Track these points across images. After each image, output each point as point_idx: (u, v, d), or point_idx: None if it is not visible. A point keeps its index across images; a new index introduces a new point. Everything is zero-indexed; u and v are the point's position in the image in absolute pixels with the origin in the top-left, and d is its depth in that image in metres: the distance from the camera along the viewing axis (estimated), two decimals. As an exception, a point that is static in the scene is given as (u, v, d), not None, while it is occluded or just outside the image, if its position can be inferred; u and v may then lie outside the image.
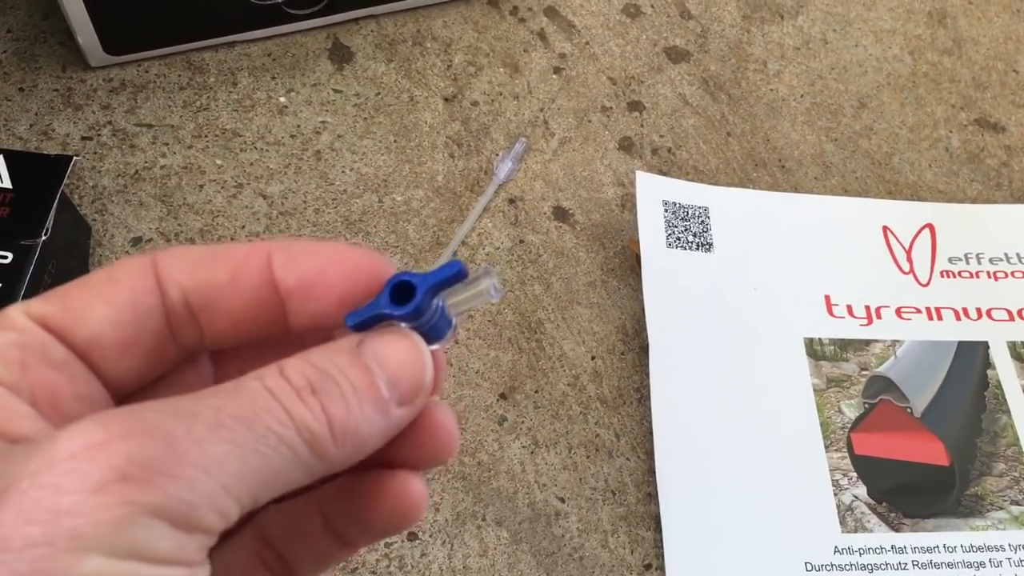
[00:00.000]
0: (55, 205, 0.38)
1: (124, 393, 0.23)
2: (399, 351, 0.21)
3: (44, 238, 0.37)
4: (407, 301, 0.22)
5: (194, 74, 0.49)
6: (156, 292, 0.22)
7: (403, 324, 0.22)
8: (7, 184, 0.38)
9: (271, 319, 0.23)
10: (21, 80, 0.47)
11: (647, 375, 0.42)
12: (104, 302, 0.22)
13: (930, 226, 0.47)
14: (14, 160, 0.39)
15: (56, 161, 0.39)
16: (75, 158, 0.40)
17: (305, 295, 0.23)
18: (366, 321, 0.22)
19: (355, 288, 0.22)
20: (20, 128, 0.46)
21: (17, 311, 0.22)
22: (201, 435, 0.18)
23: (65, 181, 0.39)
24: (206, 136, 0.47)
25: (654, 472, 0.40)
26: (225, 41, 0.49)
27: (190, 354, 0.24)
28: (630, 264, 0.46)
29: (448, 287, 0.22)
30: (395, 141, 0.48)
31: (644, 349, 0.43)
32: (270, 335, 0.23)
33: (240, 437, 0.19)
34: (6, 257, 0.37)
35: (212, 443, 0.18)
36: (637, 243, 0.45)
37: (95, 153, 0.46)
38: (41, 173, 0.39)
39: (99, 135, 0.46)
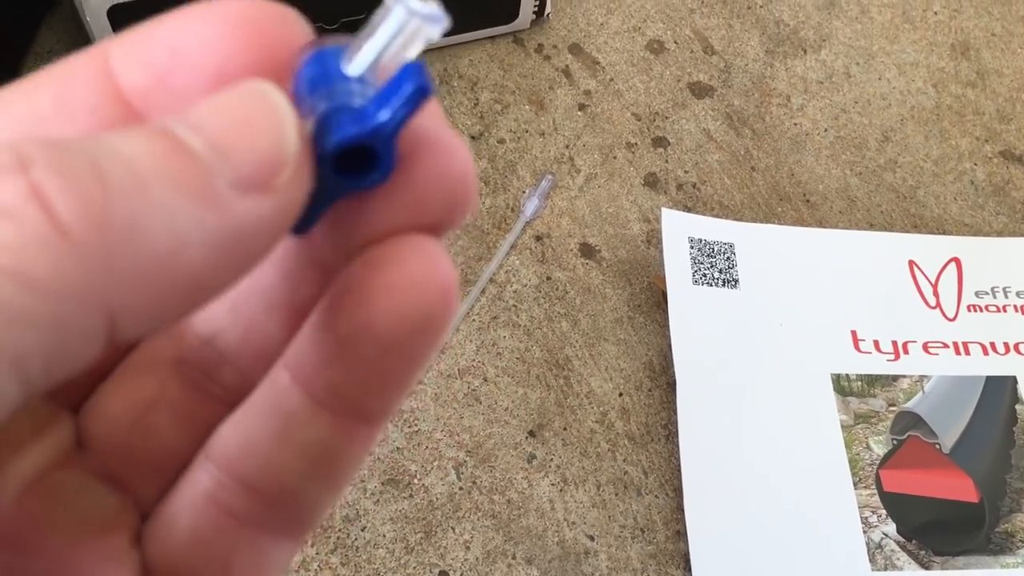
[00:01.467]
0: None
1: None
2: (230, 104, 0.13)
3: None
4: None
5: (225, 115, 0.50)
6: None
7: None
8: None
9: None
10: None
11: (674, 412, 0.42)
12: None
13: (956, 260, 0.48)
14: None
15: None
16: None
17: (163, 99, 0.14)
18: None
19: (232, 69, 0.14)
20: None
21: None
22: None
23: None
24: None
25: (682, 510, 0.40)
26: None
27: None
28: (656, 300, 0.46)
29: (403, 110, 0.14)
30: (423, 179, 0.49)
31: (671, 385, 0.43)
32: None
33: None
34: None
35: None
36: (663, 279, 0.45)
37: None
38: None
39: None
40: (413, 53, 0.15)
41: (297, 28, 0.15)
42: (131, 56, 0.14)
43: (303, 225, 0.15)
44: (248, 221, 0.13)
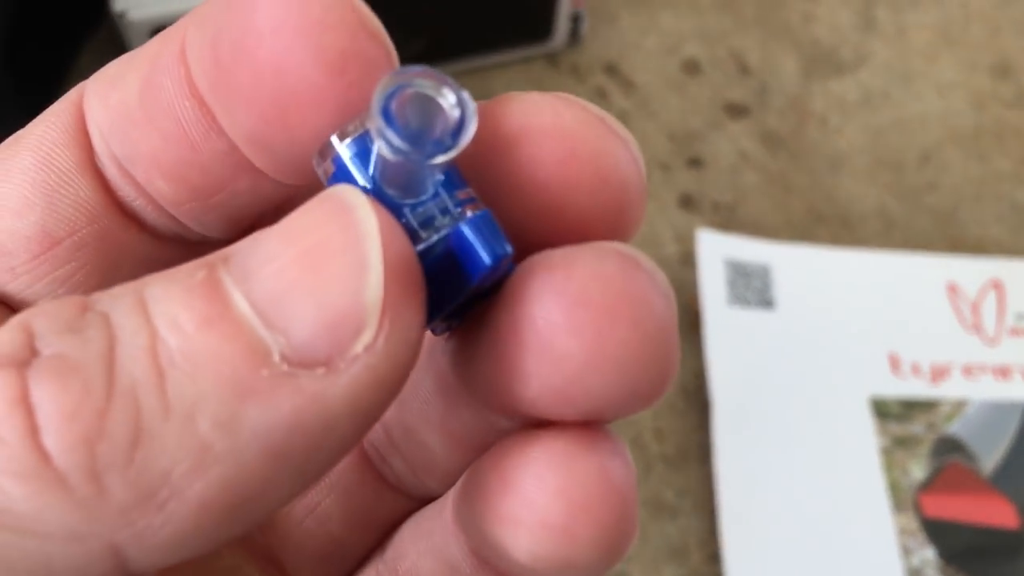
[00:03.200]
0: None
1: None
2: (295, 235, 0.10)
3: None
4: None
5: (263, 135, 0.50)
6: (77, 144, 0.13)
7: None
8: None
9: (229, 162, 0.12)
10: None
11: (709, 434, 0.42)
12: None
13: (997, 283, 0.47)
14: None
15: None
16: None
17: (221, 105, 0.12)
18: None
19: (272, 82, 0.11)
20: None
21: None
22: None
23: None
24: (274, 196, 0.48)
25: (717, 533, 0.40)
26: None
27: (196, 249, 0.13)
28: (691, 321, 0.46)
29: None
30: (457, 199, 0.49)
31: (706, 407, 0.43)
32: (256, 190, 0.13)
33: None
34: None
35: None
36: (698, 300, 0.45)
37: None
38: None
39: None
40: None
41: (375, 34, 0.12)
42: (197, 39, 0.12)
43: (436, 326, 0.12)
44: (307, 411, 0.09)
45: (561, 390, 0.11)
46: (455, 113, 0.11)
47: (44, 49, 0.50)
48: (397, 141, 0.11)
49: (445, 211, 0.12)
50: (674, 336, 0.12)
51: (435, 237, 0.11)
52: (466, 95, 0.12)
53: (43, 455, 0.09)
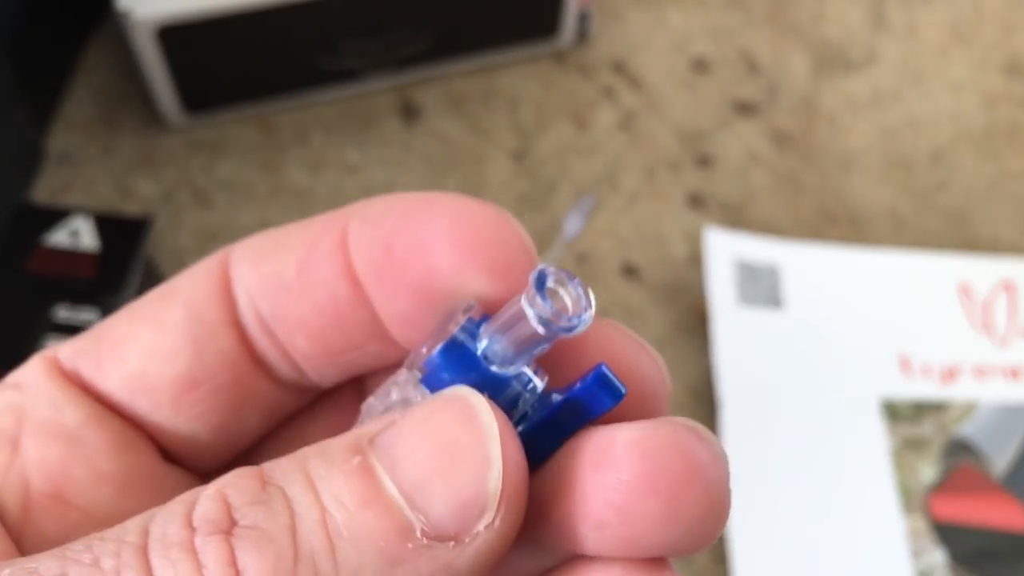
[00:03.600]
0: (139, 266, 0.39)
1: (206, 460, 0.16)
2: (430, 432, 0.13)
3: (130, 299, 0.38)
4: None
5: (269, 133, 0.50)
6: (223, 301, 0.16)
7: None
8: (96, 246, 0.39)
9: (368, 329, 0.15)
10: (104, 141, 0.49)
11: (717, 434, 0.42)
12: (149, 326, 0.15)
13: (1008, 283, 0.46)
14: (102, 223, 0.40)
15: (138, 223, 0.41)
16: (156, 219, 0.41)
17: (379, 286, 0.15)
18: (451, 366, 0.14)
19: (442, 275, 0.14)
20: (103, 188, 0.47)
21: (39, 358, 0.16)
22: None
23: (147, 241, 0.40)
24: (280, 195, 0.48)
25: (725, 533, 0.40)
26: (298, 101, 0.50)
27: (305, 394, 0.17)
28: (699, 321, 0.45)
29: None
30: (464, 198, 0.48)
31: (714, 408, 0.43)
32: (383, 354, 0.16)
33: None
34: (94, 318, 0.38)
35: None
36: (706, 300, 0.45)
37: (173, 212, 0.47)
38: (125, 234, 0.40)
39: (177, 195, 0.48)
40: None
41: (521, 248, 0.15)
42: (365, 236, 0.15)
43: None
44: (441, 573, 0.12)
45: (633, 540, 0.14)
46: (581, 303, 0.14)
47: (48, 46, 0.49)
48: (546, 312, 0.14)
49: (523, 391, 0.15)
50: (729, 495, 0.14)
51: (523, 412, 0.14)
52: (590, 292, 0.15)
53: None
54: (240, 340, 0.16)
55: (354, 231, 0.15)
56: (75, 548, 0.12)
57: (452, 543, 0.12)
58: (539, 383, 0.15)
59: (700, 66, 0.54)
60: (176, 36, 0.44)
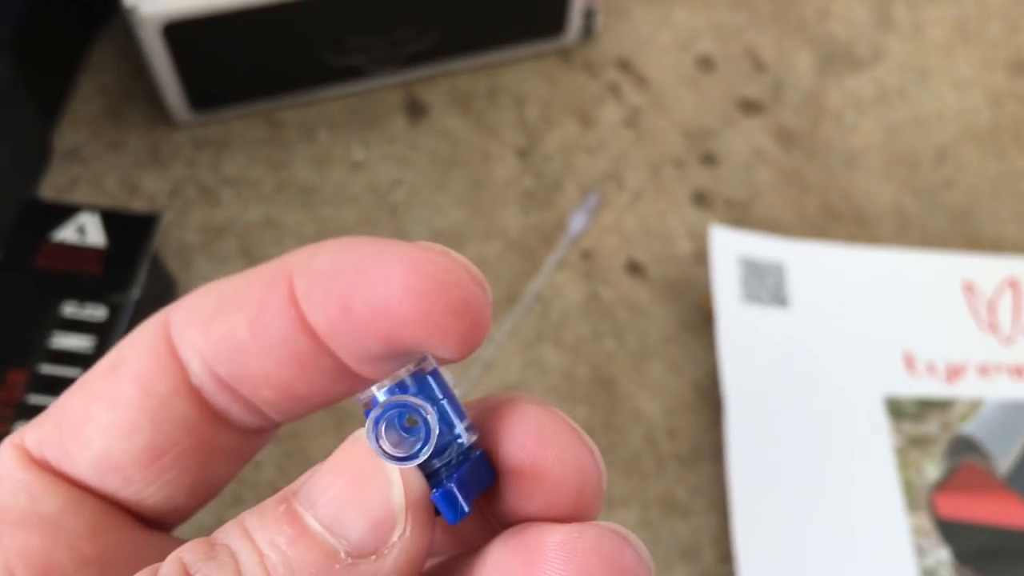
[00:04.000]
0: (146, 262, 0.39)
1: (187, 515, 0.17)
2: (338, 469, 0.14)
3: (137, 295, 0.38)
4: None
5: (275, 130, 0.50)
6: (172, 370, 0.16)
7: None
8: (103, 242, 0.39)
9: (332, 373, 0.16)
10: (111, 138, 0.49)
11: (722, 432, 0.42)
12: (104, 404, 0.16)
13: (1014, 281, 0.46)
14: (109, 219, 0.40)
15: (146, 219, 0.41)
16: (162, 215, 0.41)
17: (341, 338, 0.16)
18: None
19: (403, 323, 0.15)
20: (110, 184, 0.48)
21: (8, 447, 0.16)
22: None
23: (154, 238, 0.40)
24: (286, 191, 0.48)
25: (729, 532, 0.40)
26: (304, 98, 0.50)
27: (272, 431, 0.18)
28: (704, 319, 0.45)
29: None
30: (469, 196, 0.49)
31: (718, 406, 0.43)
32: (348, 388, 0.17)
33: None
34: (100, 314, 0.38)
35: None
36: (711, 298, 0.45)
37: (180, 208, 0.47)
38: (132, 230, 0.40)
39: (184, 191, 0.48)
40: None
41: (478, 287, 0.16)
42: (318, 293, 0.15)
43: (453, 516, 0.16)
44: None
45: None
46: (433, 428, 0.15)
47: (55, 43, 0.50)
48: (387, 446, 0.15)
49: (452, 441, 0.16)
50: None
51: (448, 460, 0.16)
52: (432, 430, 0.15)
53: None
54: (196, 404, 0.16)
55: (302, 286, 0.16)
56: None
57: (373, 557, 0.14)
58: (467, 439, 0.16)
59: (705, 64, 0.54)
60: (182, 33, 0.44)
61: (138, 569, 0.15)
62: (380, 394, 0.15)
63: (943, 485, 0.41)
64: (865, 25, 0.56)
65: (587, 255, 0.47)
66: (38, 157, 0.47)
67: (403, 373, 0.15)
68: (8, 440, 0.16)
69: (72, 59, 0.51)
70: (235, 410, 0.17)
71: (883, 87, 0.54)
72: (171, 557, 0.14)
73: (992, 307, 0.46)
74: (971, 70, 0.54)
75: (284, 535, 0.14)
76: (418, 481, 0.15)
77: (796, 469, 0.41)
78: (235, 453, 0.17)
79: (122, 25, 0.51)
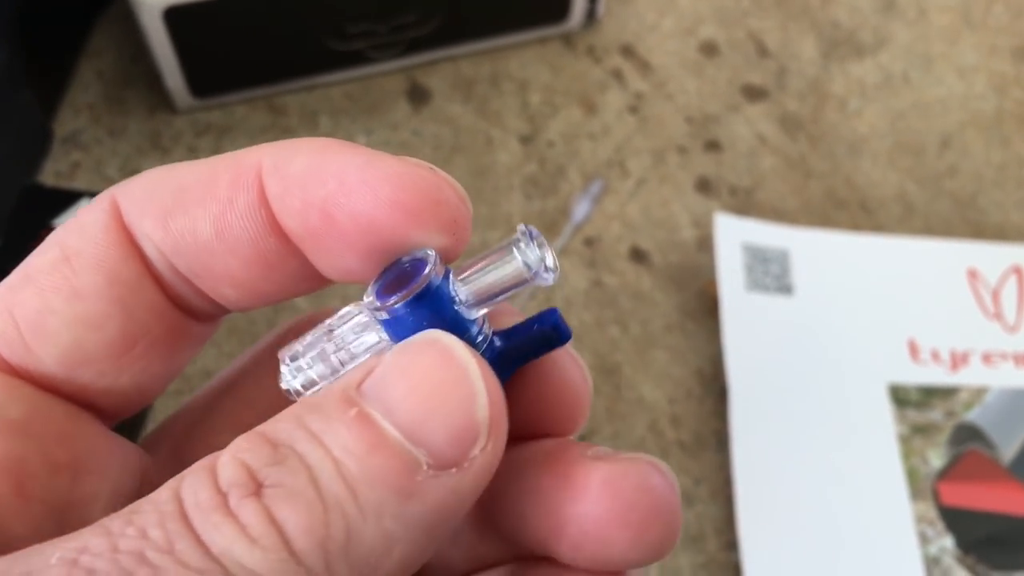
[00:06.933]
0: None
1: (150, 399, 0.17)
2: (417, 375, 0.14)
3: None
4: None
5: (276, 116, 0.50)
6: (134, 256, 0.16)
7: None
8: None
9: (298, 274, 0.16)
10: (112, 123, 0.49)
11: (726, 420, 0.42)
12: (64, 295, 0.15)
13: (1018, 269, 0.46)
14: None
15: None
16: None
17: (317, 246, 0.15)
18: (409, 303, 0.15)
19: (387, 238, 0.15)
20: (110, 170, 0.47)
21: None
22: None
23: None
24: (288, 177, 0.48)
25: (734, 520, 0.40)
26: (306, 83, 0.50)
27: (218, 321, 0.17)
28: (708, 307, 0.45)
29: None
30: (472, 182, 0.48)
31: (722, 393, 0.43)
32: (312, 287, 0.17)
33: None
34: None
35: None
36: (715, 285, 0.44)
37: (181, 194, 0.47)
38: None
39: (185, 177, 0.47)
40: (521, 290, 0.16)
41: (463, 205, 0.16)
42: (295, 198, 0.15)
43: None
44: (448, 499, 0.13)
45: (603, 560, 0.16)
46: (553, 261, 0.16)
47: (55, 29, 0.49)
48: (533, 260, 0.15)
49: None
50: (680, 516, 0.17)
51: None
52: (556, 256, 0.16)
53: (295, 558, 0.12)
54: (161, 290, 0.16)
55: (275, 188, 0.15)
56: (114, 523, 0.12)
57: (454, 470, 0.13)
58: (489, 328, 0.16)
59: (709, 50, 0.54)
60: (183, 18, 0.44)
61: (106, 478, 0.15)
62: (411, 299, 0.15)
63: (947, 473, 0.41)
64: (869, 11, 0.55)
65: (591, 242, 0.47)
66: (38, 143, 0.47)
67: (423, 279, 0.15)
68: None
69: (72, 44, 0.50)
70: (194, 301, 0.16)
71: (887, 73, 0.53)
72: (229, 456, 0.13)
73: (996, 295, 0.46)
74: (976, 57, 0.54)
75: (361, 442, 0.13)
76: (500, 394, 0.14)
77: (800, 457, 0.41)
78: (195, 339, 0.17)
79: (123, 10, 0.50)
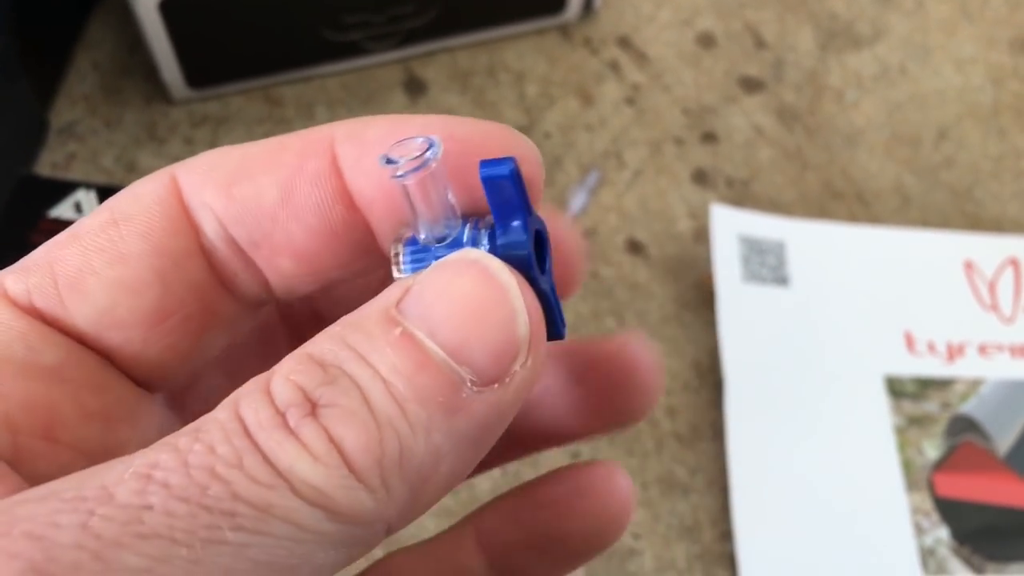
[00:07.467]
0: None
1: (173, 383, 0.16)
2: (458, 296, 0.14)
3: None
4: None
5: (273, 107, 0.50)
6: (185, 230, 0.16)
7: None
8: (96, 220, 0.39)
9: (359, 247, 0.16)
10: (107, 114, 0.49)
11: (722, 411, 0.42)
12: (109, 258, 0.15)
13: (1014, 261, 0.46)
14: (105, 196, 0.40)
15: (142, 196, 0.40)
16: (160, 193, 0.41)
17: (387, 209, 0.16)
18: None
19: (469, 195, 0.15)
20: (106, 161, 0.47)
21: None
22: (112, 557, 0.11)
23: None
24: (284, 168, 0.48)
25: (729, 510, 0.40)
26: (303, 74, 0.50)
27: (261, 308, 0.17)
28: (704, 298, 0.45)
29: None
30: (469, 173, 0.48)
31: (718, 385, 0.43)
32: (369, 266, 0.17)
33: (183, 542, 0.11)
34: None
35: (136, 562, 0.11)
36: (711, 277, 0.44)
37: (177, 185, 0.47)
38: (128, 208, 0.40)
39: (181, 168, 0.47)
40: None
41: (538, 161, 0.16)
42: (360, 157, 0.15)
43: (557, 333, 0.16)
44: (491, 414, 0.14)
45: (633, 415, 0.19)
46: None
47: (51, 19, 0.49)
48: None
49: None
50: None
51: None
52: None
53: (355, 474, 0.13)
54: (206, 268, 0.16)
55: (350, 153, 0.15)
56: (181, 440, 0.13)
57: (496, 385, 0.14)
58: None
59: (706, 41, 0.54)
60: (179, 8, 0.44)
61: (137, 428, 0.15)
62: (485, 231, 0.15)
63: (942, 464, 0.41)
64: (867, 2, 0.55)
65: (587, 233, 0.47)
66: (34, 133, 0.47)
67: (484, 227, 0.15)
68: None
69: (68, 35, 0.50)
70: (242, 279, 0.16)
71: (885, 65, 0.53)
72: (282, 376, 0.13)
73: (993, 286, 0.46)
74: (973, 48, 0.54)
75: (408, 361, 0.13)
76: (538, 311, 0.14)
77: (795, 448, 0.41)
78: (231, 325, 0.17)
79: (119, 0, 0.50)
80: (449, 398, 0.13)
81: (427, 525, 0.20)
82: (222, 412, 0.13)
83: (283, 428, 0.13)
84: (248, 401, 0.13)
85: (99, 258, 0.15)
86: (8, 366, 0.14)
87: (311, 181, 0.15)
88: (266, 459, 0.12)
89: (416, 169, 0.14)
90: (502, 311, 0.14)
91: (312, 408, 0.13)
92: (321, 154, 0.15)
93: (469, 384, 0.14)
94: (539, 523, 0.18)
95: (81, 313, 0.15)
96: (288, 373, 0.13)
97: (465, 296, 0.14)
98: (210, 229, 0.16)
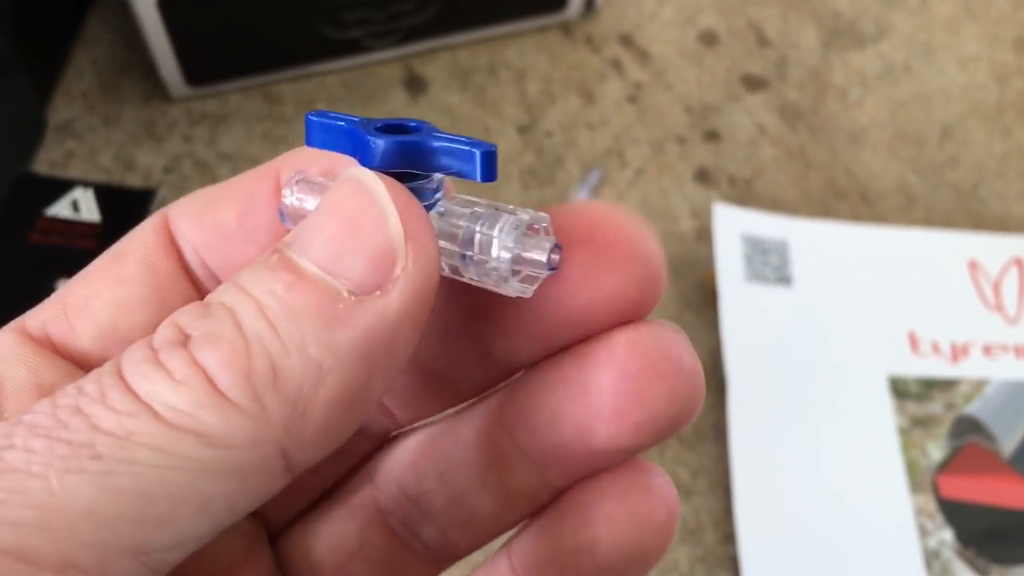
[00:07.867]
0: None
1: None
2: (331, 211, 0.14)
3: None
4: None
5: (272, 105, 0.49)
6: (173, 253, 0.17)
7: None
8: (97, 217, 0.39)
9: None
10: (106, 112, 0.48)
11: (724, 412, 0.41)
12: (109, 283, 0.17)
13: (1019, 260, 0.46)
14: (103, 194, 0.40)
15: (141, 194, 0.40)
16: (158, 191, 0.41)
17: None
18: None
19: None
20: (104, 159, 0.47)
21: (7, 329, 0.17)
22: None
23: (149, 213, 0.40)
24: (283, 167, 0.47)
25: (732, 512, 0.39)
26: (302, 72, 0.50)
27: None
28: (707, 298, 0.45)
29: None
30: (470, 172, 0.48)
31: (721, 385, 0.42)
32: None
33: (38, 475, 0.12)
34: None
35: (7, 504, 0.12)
36: (714, 276, 0.44)
37: (176, 183, 0.46)
38: (127, 206, 0.40)
39: (180, 166, 0.47)
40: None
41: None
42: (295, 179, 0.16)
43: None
44: (379, 322, 0.14)
45: (633, 426, 0.16)
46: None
47: (49, 17, 0.49)
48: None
49: None
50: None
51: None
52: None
53: (220, 394, 0.13)
54: (194, 286, 0.17)
55: (288, 175, 0.17)
56: (60, 391, 0.13)
57: (378, 292, 0.14)
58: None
59: (709, 39, 0.53)
60: (178, 5, 0.44)
61: None
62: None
63: (947, 466, 0.41)
64: (870, 0, 0.55)
65: (589, 232, 0.47)
66: (32, 131, 0.46)
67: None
68: (8, 325, 0.17)
69: (66, 32, 0.50)
70: None
71: (888, 63, 0.53)
72: (166, 322, 0.14)
73: (997, 286, 0.45)
74: (977, 47, 0.54)
75: (280, 282, 0.13)
76: (415, 211, 0.14)
77: (799, 449, 0.41)
78: None
79: (116, -3, 0.50)
80: (325, 310, 0.13)
81: (475, 559, 0.20)
82: (107, 363, 0.14)
83: (151, 361, 0.13)
84: (130, 348, 0.14)
85: (102, 284, 0.17)
86: (10, 386, 0.16)
87: (260, 203, 0.16)
88: (128, 388, 0.13)
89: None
90: (370, 216, 0.14)
91: (184, 340, 0.13)
92: (269, 178, 0.17)
93: (346, 294, 0.13)
94: (565, 534, 0.17)
95: (88, 333, 0.16)
96: (174, 316, 0.14)
97: (334, 209, 0.14)
98: (190, 257, 0.17)
